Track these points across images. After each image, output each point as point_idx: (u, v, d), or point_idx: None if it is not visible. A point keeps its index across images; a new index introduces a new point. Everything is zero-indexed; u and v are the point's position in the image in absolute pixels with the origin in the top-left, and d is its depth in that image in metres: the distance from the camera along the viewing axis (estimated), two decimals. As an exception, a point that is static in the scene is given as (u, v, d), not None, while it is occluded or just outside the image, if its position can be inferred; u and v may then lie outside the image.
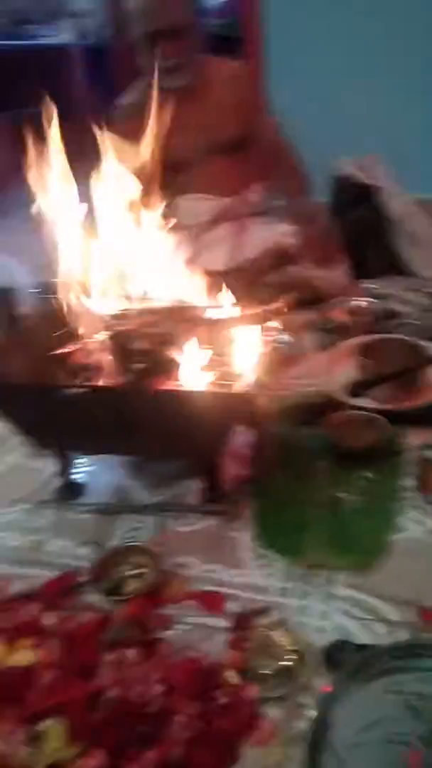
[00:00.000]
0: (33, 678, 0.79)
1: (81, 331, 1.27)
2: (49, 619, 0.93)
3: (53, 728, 0.74)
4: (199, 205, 1.92)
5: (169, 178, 1.33)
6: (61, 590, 1.02)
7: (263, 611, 0.95)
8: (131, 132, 1.34)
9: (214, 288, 1.32)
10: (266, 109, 1.96)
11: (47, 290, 2.08)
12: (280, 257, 1.87)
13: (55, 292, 1.96)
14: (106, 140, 1.28)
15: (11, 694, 0.77)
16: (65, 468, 1.28)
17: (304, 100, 2.69)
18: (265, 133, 1.95)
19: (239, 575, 1.04)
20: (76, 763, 0.72)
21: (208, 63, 1.91)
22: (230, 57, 2.21)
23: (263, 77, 2.81)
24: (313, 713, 0.79)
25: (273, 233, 1.94)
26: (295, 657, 0.87)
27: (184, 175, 1.86)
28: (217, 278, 1.34)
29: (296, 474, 1.23)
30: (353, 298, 1.80)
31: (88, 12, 5.26)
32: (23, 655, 0.82)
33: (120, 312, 1.25)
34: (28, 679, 0.79)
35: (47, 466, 1.37)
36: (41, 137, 1.29)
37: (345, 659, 0.87)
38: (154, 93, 1.32)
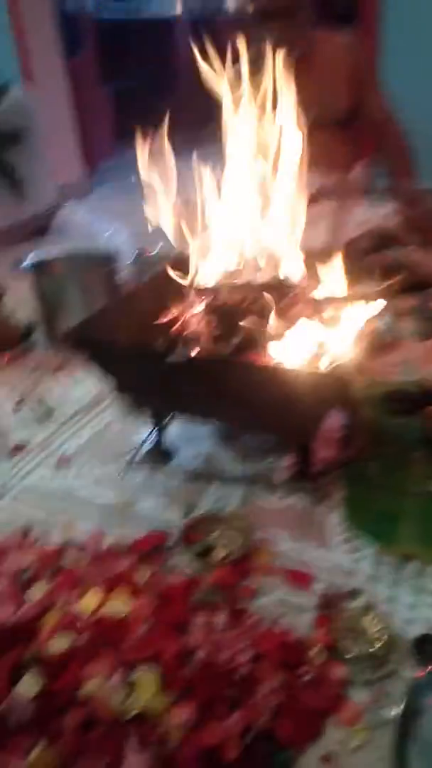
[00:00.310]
0: (128, 628, 0.83)
1: (183, 300, 1.29)
2: (140, 575, 0.96)
3: (147, 676, 0.76)
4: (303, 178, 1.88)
5: None
6: (150, 549, 1.05)
7: (353, 594, 0.94)
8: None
9: (315, 265, 1.30)
10: (377, 85, 1.89)
11: (149, 257, 2.12)
12: (382, 239, 1.81)
13: (157, 260, 2.00)
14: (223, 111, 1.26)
15: (108, 640, 0.80)
16: (159, 432, 1.31)
17: (419, 78, 2.58)
18: (374, 110, 1.91)
19: (327, 556, 1.04)
20: (165, 714, 0.75)
21: (319, 35, 1.87)
22: (343, 29, 2.14)
23: (377, 52, 2.71)
24: (400, 701, 0.79)
25: (376, 214, 1.89)
26: (383, 644, 0.86)
27: None
28: (317, 256, 1.32)
29: (390, 462, 1.20)
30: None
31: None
32: (119, 605, 0.86)
33: (222, 284, 1.25)
34: (123, 628, 0.82)
35: (142, 428, 1.41)
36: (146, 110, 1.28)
37: (434, 653, 0.86)
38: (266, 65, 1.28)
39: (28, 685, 0.75)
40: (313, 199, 1.92)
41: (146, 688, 0.75)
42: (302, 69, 1.78)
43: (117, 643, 0.80)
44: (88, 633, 0.81)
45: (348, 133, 1.94)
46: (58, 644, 0.79)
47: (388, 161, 1.93)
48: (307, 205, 1.88)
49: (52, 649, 0.79)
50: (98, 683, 0.76)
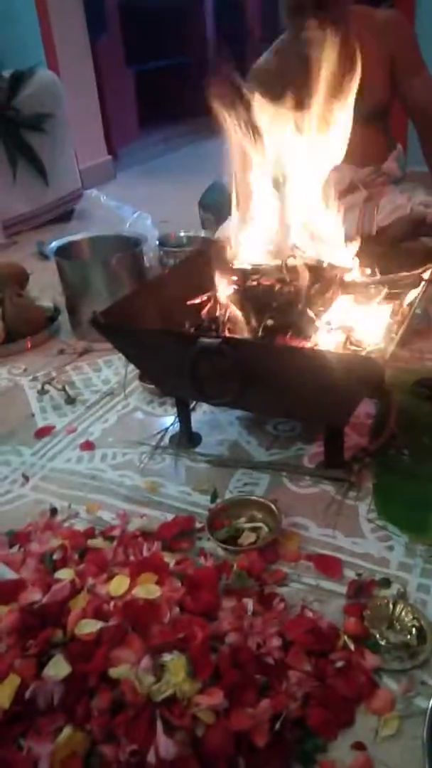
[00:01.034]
0: (157, 612, 0.82)
1: (213, 283, 1.27)
2: (168, 559, 0.95)
3: (176, 661, 0.75)
4: (338, 172, 1.83)
5: None
6: (178, 533, 1.04)
7: (384, 583, 0.92)
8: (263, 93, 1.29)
9: (350, 251, 1.27)
10: (423, 67, 1.77)
11: (175, 242, 2.10)
12: (417, 226, 1.77)
13: (184, 245, 1.98)
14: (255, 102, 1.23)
15: (137, 624, 0.80)
16: (184, 417, 1.30)
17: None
18: (419, 93, 1.77)
19: (357, 544, 1.02)
20: (194, 699, 0.74)
21: (356, 12, 1.76)
22: (381, 4, 2.05)
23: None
24: (432, 692, 0.77)
25: (409, 201, 1.84)
26: (415, 633, 0.85)
27: None
28: (352, 243, 1.29)
29: (422, 450, 1.18)
30: None
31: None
32: (148, 589, 0.85)
33: (255, 267, 1.23)
34: (152, 612, 0.81)
35: (167, 413, 1.40)
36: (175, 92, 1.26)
37: (469, 644, 0.84)
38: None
39: (57, 668, 0.75)
40: (349, 191, 1.88)
41: (175, 673, 0.75)
42: (342, 60, 1.72)
43: (146, 628, 0.79)
44: (116, 617, 0.80)
45: (382, 125, 1.87)
46: (87, 627, 0.78)
47: (430, 150, 1.82)
48: (342, 196, 1.84)
49: (81, 631, 0.78)
50: (127, 667, 0.75)
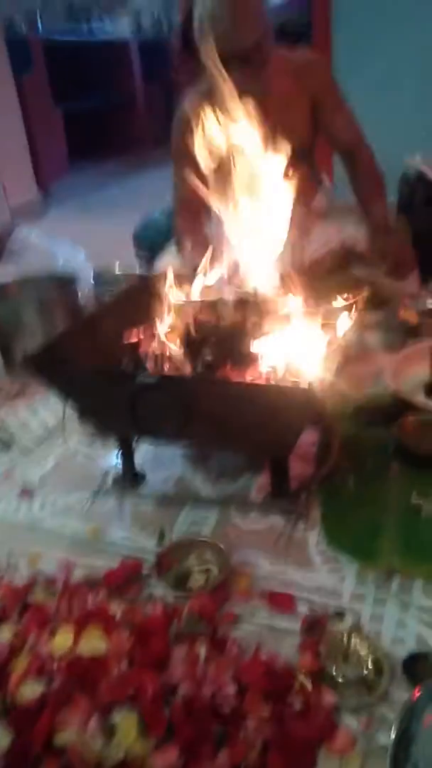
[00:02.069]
0: (104, 668, 0.77)
1: (149, 319, 1.26)
2: (115, 609, 0.91)
3: (127, 719, 0.71)
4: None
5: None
6: (124, 580, 1.00)
7: (338, 615, 0.91)
8: (188, 143, 1.31)
9: (283, 286, 1.28)
10: (343, 104, 1.82)
11: (110, 279, 2.08)
12: (347, 257, 1.81)
13: (119, 281, 1.96)
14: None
15: (83, 682, 0.75)
16: (127, 456, 1.26)
17: (373, 95, 2.61)
18: (341, 130, 1.81)
19: (309, 576, 1.00)
20: (148, 759, 0.70)
21: (275, 56, 1.80)
22: (298, 47, 2.10)
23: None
24: (392, 725, 0.75)
25: (339, 234, 1.89)
26: (372, 666, 0.83)
27: None
28: (287, 275, 1.31)
29: (366, 476, 1.19)
30: (422, 300, 1.74)
31: (145, 7, 5.28)
32: (93, 644, 0.80)
33: (190, 302, 1.22)
34: (99, 668, 0.77)
35: (108, 453, 1.36)
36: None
37: (425, 671, 0.83)
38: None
39: (-2, 739, 0.69)
40: None
41: (127, 733, 0.70)
42: (261, 106, 1.75)
43: (93, 685, 0.75)
44: (61, 676, 0.75)
45: (308, 163, 1.91)
46: (29, 691, 0.73)
47: (359, 185, 1.82)
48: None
49: (22, 696, 0.73)
50: (74, 731, 0.70)
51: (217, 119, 1.29)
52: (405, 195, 2.03)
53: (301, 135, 1.81)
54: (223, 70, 1.56)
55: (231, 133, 1.25)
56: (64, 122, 4.22)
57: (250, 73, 1.59)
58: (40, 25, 4.32)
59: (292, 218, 1.89)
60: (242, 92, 1.50)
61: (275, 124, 1.75)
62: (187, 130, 1.77)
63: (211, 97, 1.58)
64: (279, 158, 1.25)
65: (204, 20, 1.58)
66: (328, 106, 1.79)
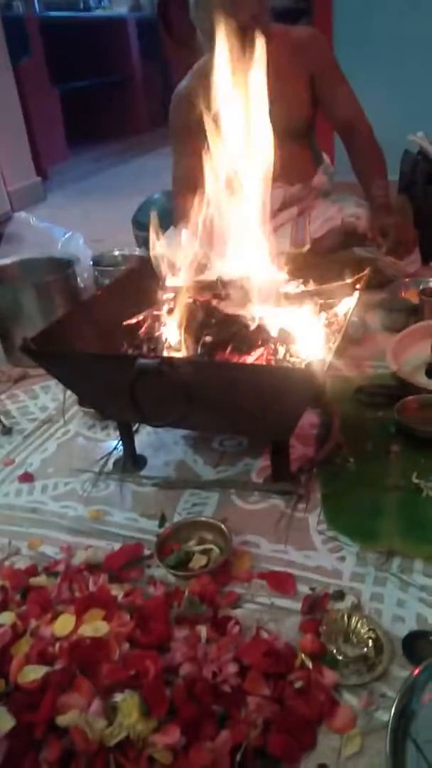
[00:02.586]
0: (106, 650, 0.78)
1: (149, 302, 1.25)
2: (116, 591, 0.91)
3: (128, 700, 0.72)
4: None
5: None
6: (125, 562, 1.01)
7: (338, 595, 0.91)
8: (187, 120, 1.29)
9: (284, 265, 1.27)
10: (343, 80, 1.79)
11: (109, 262, 2.07)
12: (348, 236, 1.80)
13: (119, 264, 1.94)
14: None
15: (85, 665, 0.75)
16: (128, 440, 1.26)
17: (375, 74, 2.58)
18: (342, 107, 1.78)
19: (309, 557, 1.00)
20: (149, 739, 0.70)
21: (275, 31, 1.77)
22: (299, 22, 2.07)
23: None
24: (392, 703, 0.76)
25: (340, 212, 1.87)
26: (372, 645, 0.84)
27: None
28: (287, 255, 1.29)
29: (367, 457, 1.18)
30: (424, 279, 1.73)
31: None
32: (95, 627, 0.81)
33: (192, 284, 1.21)
34: (101, 650, 0.77)
35: (109, 437, 1.36)
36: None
37: (425, 650, 0.83)
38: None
39: (1, 721, 0.70)
40: (281, 209, 1.89)
41: (128, 713, 0.71)
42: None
43: (94, 668, 0.75)
44: (63, 658, 0.76)
45: (308, 140, 1.89)
46: (32, 674, 0.74)
47: (359, 162, 1.79)
48: (275, 215, 1.84)
49: (24, 679, 0.74)
50: (76, 712, 0.71)
51: (214, 95, 1.26)
52: (406, 173, 2.00)
53: (300, 111, 1.79)
54: (222, 44, 1.54)
55: (227, 109, 1.23)
56: (61, 104, 4.16)
57: (248, 48, 1.57)
58: (36, 3, 4.24)
59: (291, 196, 1.88)
60: (240, 68, 1.48)
61: (273, 99, 1.74)
62: (185, 107, 1.75)
63: (209, 74, 1.55)
64: (274, 134, 1.22)
65: None
66: (327, 82, 1.77)
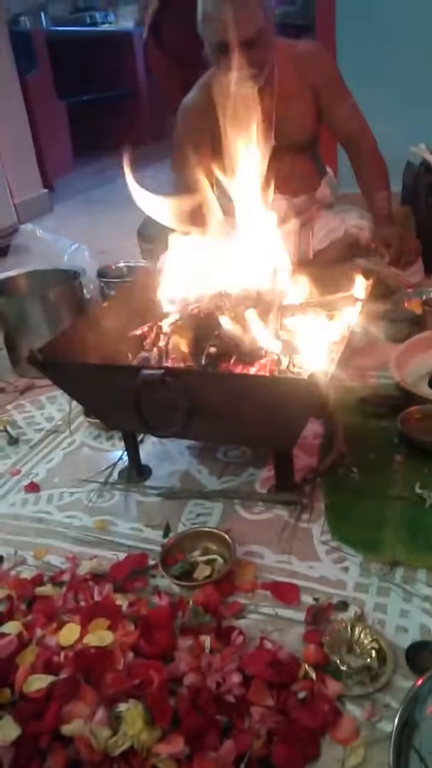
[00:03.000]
0: (110, 660, 0.78)
1: (153, 314, 1.26)
2: (120, 601, 0.92)
3: (133, 710, 0.72)
4: (272, 204, 1.84)
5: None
6: (130, 572, 1.01)
7: (342, 606, 0.92)
8: (191, 133, 1.31)
9: (288, 276, 1.28)
10: (346, 94, 1.81)
11: (114, 274, 2.09)
12: (351, 248, 1.81)
13: (124, 276, 1.96)
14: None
15: (90, 674, 0.76)
16: (133, 450, 1.27)
17: (377, 86, 2.59)
18: (345, 120, 1.79)
19: (313, 568, 1.01)
20: (153, 749, 0.71)
21: (279, 46, 1.79)
22: (302, 38, 2.09)
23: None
24: (395, 714, 0.76)
25: (343, 224, 1.88)
26: (375, 655, 0.84)
27: None
28: (290, 267, 1.30)
29: (370, 467, 1.19)
30: (427, 289, 1.74)
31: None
32: (100, 636, 0.81)
33: (196, 296, 1.22)
34: (105, 660, 0.78)
35: (115, 447, 1.37)
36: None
37: (428, 660, 0.83)
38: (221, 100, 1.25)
39: (5, 730, 0.71)
40: (284, 221, 1.90)
41: (132, 723, 0.71)
42: (266, 95, 1.74)
43: (99, 677, 0.76)
44: (67, 668, 0.76)
45: (312, 153, 1.91)
46: (37, 683, 0.74)
47: (362, 174, 1.81)
48: (278, 227, 1.85)
49: (30, 689, 0.74)
50: (81, 722, 0.71)
51: (219, 110, 1.28)
52: (409, 184, 2.02)
53: (305, 125, 1.81)
54: (228, 59, 1.57)
55: (231, 125, 1.25)
56: (68, 117, 4.21)
57: (257, 60, 1.60)
58: (44, 19, 4.30)
59: (294, 207, 1.90)
60: (245, 84, 1.51)
61: (279, 115, 1.76)
62: (192, 120, 1.78)
63: (214, 89, 1.57)
64: (279, 146, 1.24)
65: (207, 9, 1.58)
66: (330, 96, 1.79)
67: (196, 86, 1.86)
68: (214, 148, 1.34)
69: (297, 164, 1.86)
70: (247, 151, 1.23)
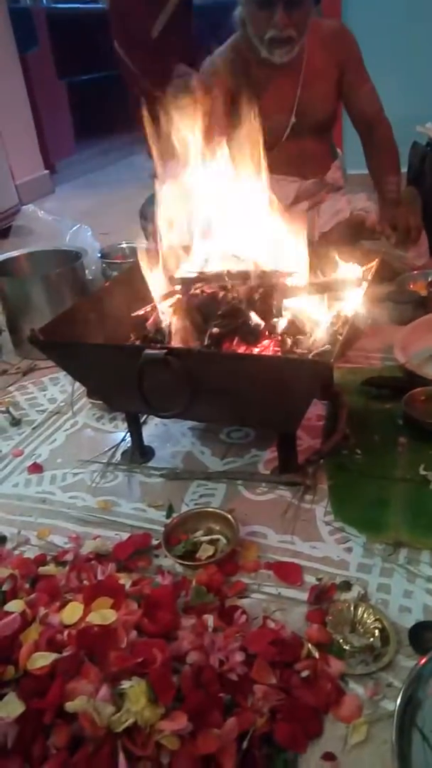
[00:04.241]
0: (113, 638, 0.78)
1: (158, 293, 1.25)
2: (124, 581, 0.92)
3: (136, 687, 0.72)
4: (282, 187, 1.82)
5: None
6: (133, 552, 1.01)
7: (345, 586, 0.91)
8: (216, 90, 1.28)
9: (293, 256, 1.27)
10: (366, 76, 1.77)
11: (116, 254, 2.07)
12: (357, 230, 1.79)
13: (126, 256, 1.94)
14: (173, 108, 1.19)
15: (93, 652, 0.76)
16: (135, 431, 1.27)
17: (383, 65, 2.54)
18: (365, 102, 1.77)
19: (316, 548, 1.01)
20: (157, 725, 0.71)
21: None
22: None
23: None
24: (398, 693, 0.76)
25: (349, 205, 1.86)
26: (378, 635, 0.84)
27: (271, 153, 1.75)
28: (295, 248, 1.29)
29: (374, 449, 1.18)
30: (432, 271, 1.72)
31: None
32: (103, 615, 0.81)
33: (198, 275, 1.21)
34: (108, 638, 0.78)
35: (118, 428, 1.36)
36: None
37: (430, 639, 0.83)
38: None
39: (10, 707, 0.71)
40: (294, 203, 1.88)
41: (136, 700, 0.71)
42: (291, 72, 1.70)
43: (102, 655, 0.76)
44: (71, 646, 0.77)
45: (328, 135, 1.88)
46: (40, 661, 0.75)
47: (375, 158, 1.79)
48: (288, 210, 1.83)
49: (33, 666, 0.74)
50: (84, 698, 0.71)
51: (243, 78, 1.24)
52: (415, 164, 1.99)
53: (327, 105, 1.79)
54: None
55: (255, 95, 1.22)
56: (69, 97, 4.16)
57: (299, 21, 1.55)
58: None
59: (304, 190, 1.88)
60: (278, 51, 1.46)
61: (303, 93, 1.73)
62: (214, 74, 1.73)
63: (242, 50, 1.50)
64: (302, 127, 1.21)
65: None
66: (353, 78, 1.77)
67: (224, 45, 1.80)
68: (231, 112, 1.31)
69: (310, 146, 1.84)
70: (264, 126, 1.20)
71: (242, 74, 1.66)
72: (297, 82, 1.71)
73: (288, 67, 1.68)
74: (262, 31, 1.60)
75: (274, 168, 1.64)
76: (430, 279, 1.67)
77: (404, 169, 2.00)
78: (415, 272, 1.76)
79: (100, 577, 0.92)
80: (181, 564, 0.99)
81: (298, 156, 1.81)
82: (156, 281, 1.25)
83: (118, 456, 1.28)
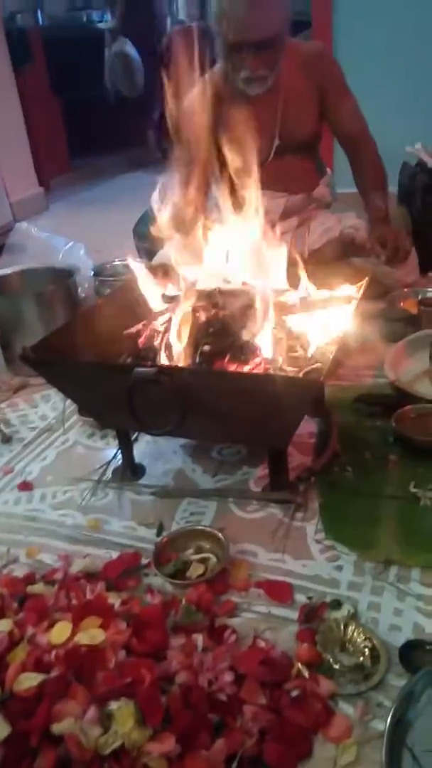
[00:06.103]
0: (102, 658, 0.78)
1: (148, 312, 1.26)
2: (113, 600, 0.91)
3: (124, 709, 0.72)
4: (269, 203, 1.84)
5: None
6: (123, 571, 1.01)
7: (335, 604, 0.91)
8: (194, 128, 1.31)
9: (283, 275, 1.28)
10: (349, 94, 1.79)
11: (109, 272, 2.08)
12: (346, 247, 1.81)
13: (119, 274, 1.95)
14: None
15: (81, 672, 0.76)
16: (127, 449, 1.27)
17: (373, 86, 2.59)
18: (347, 121, 1.79)
19: (307, 566, 1.01)
20: (144, 747, 0.70)
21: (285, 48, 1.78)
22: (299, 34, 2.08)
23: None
24: (388, 713, 0.75)
25: (339, 223, 1.88)
26: (368, 654, 0.84)
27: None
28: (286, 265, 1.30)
29: (365, 466, 1.19)
30: (422, 289, 1.73)
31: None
32: (91, 635, 0.81)
33: (190, 293, 1.22)
34: (96, 658, 0.77)
35: (109, 446, 1.36)
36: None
37: (421, 659, 0.83)
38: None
39: (-4, 729, 0.70)
40: (282, 219, 1.90)
41: (123, 722, 0.71)
42: (269, 100, 1.73)
43: (90, 676, 0.75)
44: (58, 667, 0.76)
45: (313, 152, 1.91)
46: (27, 682, 0.74)
47: (361, 175, 1.81)
48: (275, 225, 1.85)
49: (20, 687, 0.74)
50: (71, 720, 0.71)
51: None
52: (405, 184, 2.02)
53: (309, 127, 1.81)
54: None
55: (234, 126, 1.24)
56: (63, 116, 4.20)
57: (270, 62, 1.59)
58: (40, 16, 4.29)
59: (292, 205, 1.90)
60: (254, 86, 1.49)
61: (284, 114, 1.75)
62: (190, 117, 1.76)
63: (220, 87, 1.54)
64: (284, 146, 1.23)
65: (225, 7, 1.56)
66: (334, 98, 1.79)
67: (202, 81, 1.83)
68: (212, 144, 1.33)
69: (296, 163, 1.86)
70: (247, 151, 1.23)
71: (224, 103, 1.68)
72: (276, 106, 1.74)
73: (268, 91, 1.70)
74: (235, 70, 1.63)
75: (261, 184, 1.67)
76: (420, 296, 1.69)
77: (394, 189, 2.04)
78: (406, 290, 1.78)
79: (89, 596, 0.92)
80: (171, 583, 0.98)
81: (284, 173, 1.83)
82: (149, 299, 1.26)
83: (109, 473, 1.27)
